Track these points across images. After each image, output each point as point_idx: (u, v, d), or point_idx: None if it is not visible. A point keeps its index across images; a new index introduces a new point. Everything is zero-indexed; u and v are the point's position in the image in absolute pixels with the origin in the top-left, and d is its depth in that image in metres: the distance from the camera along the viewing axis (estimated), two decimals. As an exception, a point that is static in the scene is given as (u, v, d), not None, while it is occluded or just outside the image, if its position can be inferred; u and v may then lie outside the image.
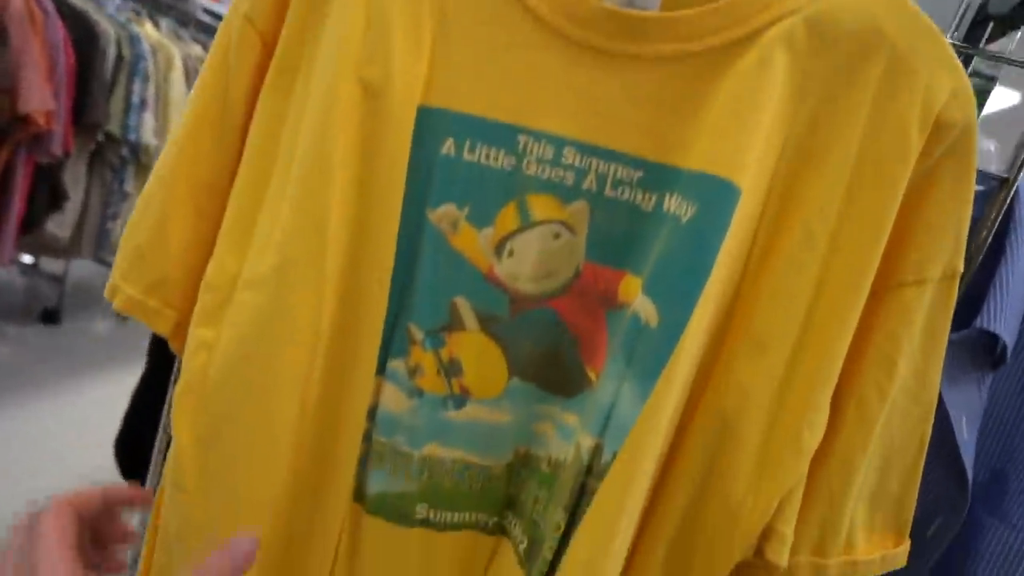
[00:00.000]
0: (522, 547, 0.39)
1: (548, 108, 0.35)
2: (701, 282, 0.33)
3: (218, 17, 2.57)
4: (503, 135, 0.35)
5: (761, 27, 0.33)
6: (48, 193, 1.69)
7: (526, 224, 0.37)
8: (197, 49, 2.17)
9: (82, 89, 1.65)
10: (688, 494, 0.37)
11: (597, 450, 0.35)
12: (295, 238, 0.35)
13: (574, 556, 0.35)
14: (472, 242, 0.37)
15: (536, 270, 0.37)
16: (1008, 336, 0.43)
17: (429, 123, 0.35)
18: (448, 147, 0.36)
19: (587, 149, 0.35)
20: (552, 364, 0.38)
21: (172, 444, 0.38)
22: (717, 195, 0.33)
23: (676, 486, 0.37)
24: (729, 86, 0.33)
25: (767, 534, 0.36)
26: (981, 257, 0.45)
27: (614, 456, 0.34)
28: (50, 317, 2.05)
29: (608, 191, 0.36)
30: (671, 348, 0.33)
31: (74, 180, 1.75)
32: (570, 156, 0.35)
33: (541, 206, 0.36)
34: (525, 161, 0.36)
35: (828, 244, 0.34)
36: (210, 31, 2.59)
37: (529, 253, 0.37)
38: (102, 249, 1.89)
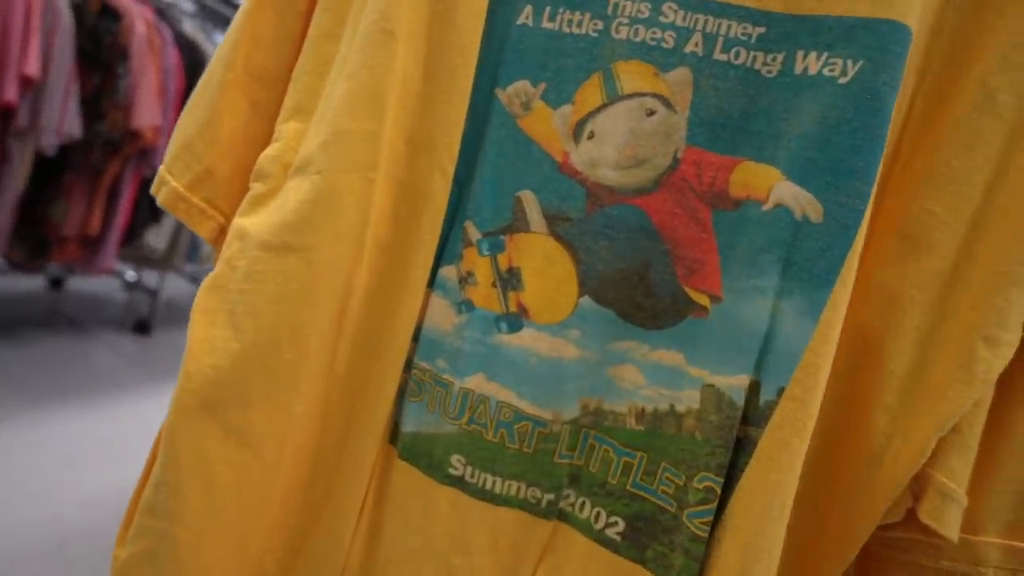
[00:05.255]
0: (612, 531, 0.31)
1: None
2: (876, 157, 0.26)
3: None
4: None
5: None
6: (149, 207, 1.82)
7: (612, 98, 0.30)
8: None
9: (188, 111, 1.79)
10: (819, 435, 0.28)
11: (753, 389, 0.28)
12: (348, 113, 0.31)
13: (737, 528, 0.27)
14: (545, 124, 0.31)
15: (622, 155, 0.30)
16: None
17: None
18: (526, 15, 0.31)
19: (692, 3, 0.29)
20: (637, 284, 0.30)
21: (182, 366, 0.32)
22: (887, 41, 0.26)
23: None
24: None
25: (921, 487, 0.27)
26: None
27: (779, 393, 0.27)
28: (142, 327, 2.16)
29: (718, 54, 0.29)
30: (847, 245, 0.26)
31: (174, 195, 1.88)
32: (671, 13, 0.29)
33: (632, 75, 0.30)
34: (615, 23, 0.30)
35: (1016, 105, 0.26)
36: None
37: (614, 134, 0.30)
38: (193, 260, 2.00)
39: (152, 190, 0.38)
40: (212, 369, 0.31)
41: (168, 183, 0.37)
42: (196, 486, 0.31)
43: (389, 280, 0.33)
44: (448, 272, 0.33)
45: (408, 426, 0.34)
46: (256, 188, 0.34)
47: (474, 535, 0.32)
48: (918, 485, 0.27)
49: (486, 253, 0.32)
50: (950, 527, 0.27)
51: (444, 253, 0.33)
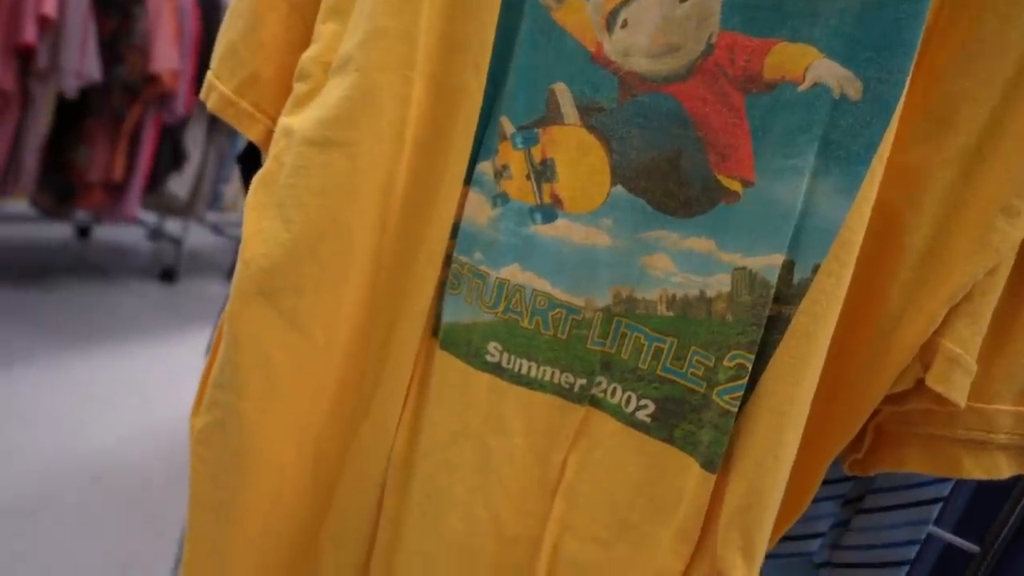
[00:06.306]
0: (642, 413, 0.32)
1: None
2: (919, 31, 0.25)
3: None
4: None
5: None
6: (171, 154, 1.82)
7: None
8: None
9: (205, 55, 1.77)
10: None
11: (787, 268, 0.28)
12: (384, 12, 0.31)
13: (769, 399, 0.28)
14: (578, 14, 0.31)
15: (655, 43, 0.30)
16: None
17: None
18: None
19: None
20: (669, 172, 0.31)
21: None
22: None
23: None
24: None
25: (930, 355, 0.28)
26: None
27: (815, 270, 0.27)
28: (168, 276, 2.21)
29: None
30: (886, 121, 0.26)
31: (193, 142, 1.88)
32: None
33: None
34: None
35: None
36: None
37: (647, 22, 0.30)
38: (214, 209, 2.02)
39: (201, 95, 0.39)
40: (265, 258, 0.32)
41: (216, 88, 0.38)
42: (255, 364, 0.34)
43: (428, 177, 0.33)
44: (484, 167, 0.33)
45: (448, 317, 0.35)
46: (299, 88, 0.34)
47: (511, 418, 0.34)
48: (928, 353, 0.28)
49: (520, 146, 0.32)
50: (957, 392, 0.27)
51: (480, 149, 0.33)
